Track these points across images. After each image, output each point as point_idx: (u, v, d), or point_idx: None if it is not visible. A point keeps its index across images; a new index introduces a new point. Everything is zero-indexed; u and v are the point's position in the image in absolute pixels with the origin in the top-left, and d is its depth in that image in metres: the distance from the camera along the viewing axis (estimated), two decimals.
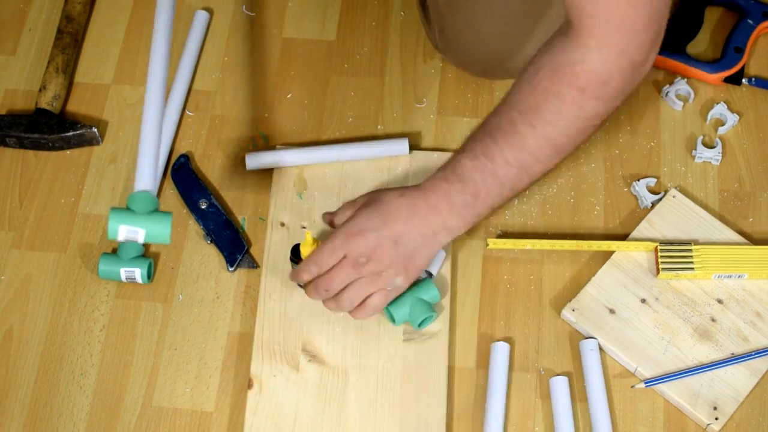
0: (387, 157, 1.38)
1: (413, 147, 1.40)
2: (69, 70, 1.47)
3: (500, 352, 1.24)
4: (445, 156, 1.36)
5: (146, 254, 1.34)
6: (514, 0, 1.32)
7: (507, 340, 1.27)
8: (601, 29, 1.06)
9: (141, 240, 1.19)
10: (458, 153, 1.17)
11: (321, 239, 1.26)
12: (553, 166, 1.17)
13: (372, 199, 1.20)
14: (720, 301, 1.27)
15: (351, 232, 1.17)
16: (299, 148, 1.39)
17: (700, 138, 1.40)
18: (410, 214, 1.16)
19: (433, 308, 1.25)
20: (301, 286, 1.27)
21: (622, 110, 1.43)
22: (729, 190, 1.37)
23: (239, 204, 1.38)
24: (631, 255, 1.30)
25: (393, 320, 1.25)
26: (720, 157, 1.38)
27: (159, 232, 1.19)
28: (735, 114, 1.41)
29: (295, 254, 1.27)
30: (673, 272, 1.27)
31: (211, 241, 1.35)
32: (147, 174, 1.19)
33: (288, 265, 1.30)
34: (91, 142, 1.43)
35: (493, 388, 1.22)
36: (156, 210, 1.20)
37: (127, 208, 1.19)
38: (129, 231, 1.18)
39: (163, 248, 1.35)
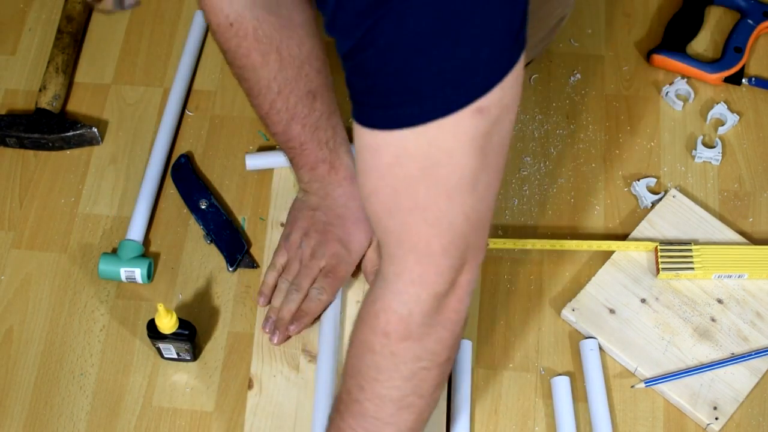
0: None
1: None
2: (69, 70, 1.47)
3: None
4: None
5: (146, 254, 1.34)
6: None
7: (507, 339, 1.27)
8: (396, 251, 0.89)
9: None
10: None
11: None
12: (412, 423, 0.99)
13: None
14: (720, 301, 1.27)
15: None
16: None
17: (700, 138, 1.40)
18: None
19: None
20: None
21: (621, 110, 1.43)
22: (729, 190, 1.37)
23: (239, 204, 1.38)
24: (631, 255, 1.30)
25: None
26: (720, 157, 1.38)
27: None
28: (735, 114, 1.41)
29: (152, 329, 1.22)
30: (673, 272, 1.27)
31: (211, 241, 1.34)
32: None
33: None
34: (91, 142, 1.43)
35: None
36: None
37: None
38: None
39: (163, 248, 1.35)
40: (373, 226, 0.90)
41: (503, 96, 0.79)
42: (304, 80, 1.17)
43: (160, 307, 1.17)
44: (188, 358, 1.26)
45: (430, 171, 0.81)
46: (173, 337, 1.21)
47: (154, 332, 1.21)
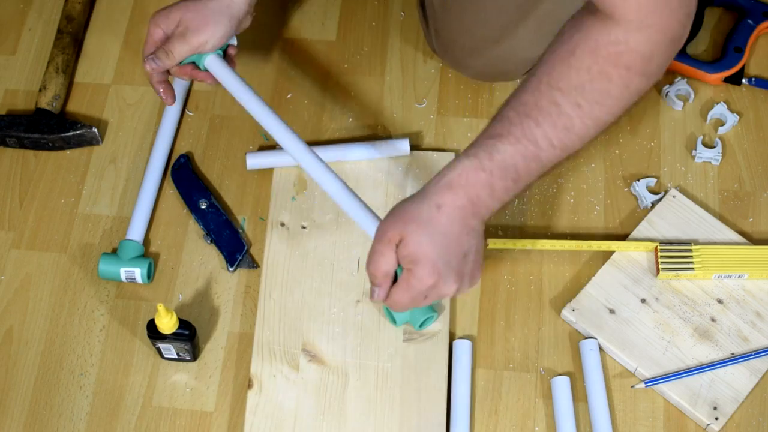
0: (387, 157, 1.38)
1: (413, 147, 1.40)
2: (69, 70, 1.47)
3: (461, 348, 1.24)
4: (445, 156, 1.37)
5: (146, 254, 1.34)
6: (508, 6, 1.32)
7: (507, 340, 1.27)
8: (639, 13, 1.03)
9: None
10: (492, 137, 1.08)
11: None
12: (597, 132, 1.12)
13: (413, 229, 1.08)
14: (720, 301, 1.27)
15: (428, 282, 1.08)
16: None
17: (700, 138, 1.40)
18: (462, 224, 1.09)
19: (433, 308, 1.25)
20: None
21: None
22: (729, 190, 1.37)
23: (239, 204, 1.38)
24: (631, 255, 1.30)
25: (394, 321, 1.25)
26: (720, 157, 1.38)
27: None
28: (735, 114, 1.41)
29: (152, 330, 1.22)
30: (673, 272, 1.27)
31: (211, 241, 1.34)
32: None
33: (290, 265, 1.31)
34: (91, 142, 1.43)
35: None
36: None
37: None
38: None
39: (163, 248, 1.35)
40: (604, 3, 1.03)
41: None
42: None
43: (160, 307, 1.17)
44: (188, 358, 1.26)
45: None
46: (173, 337, 1.21)
47: (154, 332, 1.21)
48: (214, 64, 1.27)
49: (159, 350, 1.25)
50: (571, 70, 1.06)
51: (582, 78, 1.05)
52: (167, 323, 1.19)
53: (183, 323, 1.22)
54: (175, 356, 1.25)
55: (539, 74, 1.07)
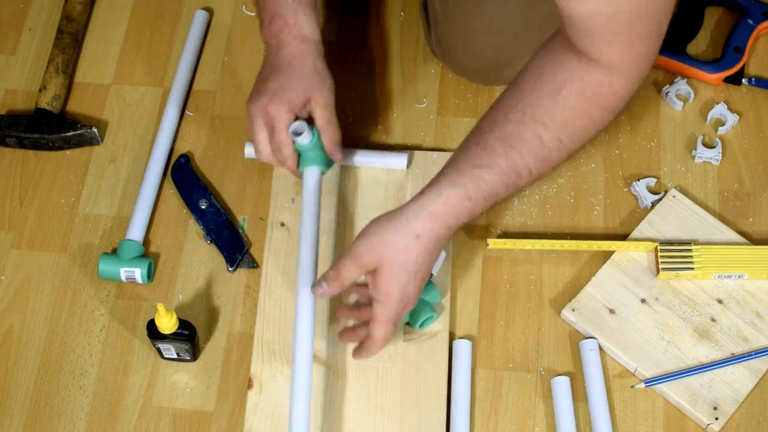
0: (384, 168, 1.38)
1: (413, 147, 1.40)
2: (69, 70, 1.47)
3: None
4: (445, 156, 1.36)
5: (146, 254, 1.34)
6: (509, 12, 1.32)
7: (507, 340, 1.27)
8: (623, 62, 1.10)
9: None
10: (478, 166, 1.11)
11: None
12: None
13: (388, 261, 1.10)
14: (720, 301, 1.27)
15: (398, 311, 1.13)
16: None
17: (700, 138, 1.40)
18: (433, 252, 1.12)
19: (433, 308, 1.25)
20: None
21: (621, 110, 1.43)
22: (729, 190, 1.37)
23: (239, 204, 1.38)
24: (631, 255, 1.30)
25: None
26: (720, 157, 1.38)
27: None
28: (735, 114, 1.41)
29: (152, 330, 1.21)
30: (673, 272, 1.27)
31: (211, 241, 1.34)
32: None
33: (289, 267, 1.31)
34: (91, 142, 1.43)
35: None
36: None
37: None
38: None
39: (163, 248, 1.35)
40: (589, 51, 1.08)
41: None
42: None
43: (160, 307, 1.17)
44: (188, 358, 1.26)
45: None
46: (173, 337, 1.21)
47: (154, 332, 1.21)
48: (310, 175, 1.27)
49: (159, 350, 1.25)
50: (556, 107, 1.11)
51: (566, 115, 1.11)
52: (167, 323, 1.19)
53: (183, 323, 1.22)
54: (175, 356, 1.25)
55: (522, 107, 1.12)
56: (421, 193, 1.12)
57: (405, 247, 1.10)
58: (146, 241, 1.35)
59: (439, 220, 1.10)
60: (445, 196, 1.10)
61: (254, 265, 1.33)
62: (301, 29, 1.27)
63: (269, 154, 1.27)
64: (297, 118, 1.25)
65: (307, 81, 1.25)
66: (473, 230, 1.34)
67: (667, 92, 1.43)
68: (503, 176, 1.11)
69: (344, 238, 1.33)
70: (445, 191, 1.10)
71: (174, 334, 1.21)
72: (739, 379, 1.22)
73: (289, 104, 1.24)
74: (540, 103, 1.12)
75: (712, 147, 1.39)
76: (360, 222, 1.33)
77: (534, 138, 1.11)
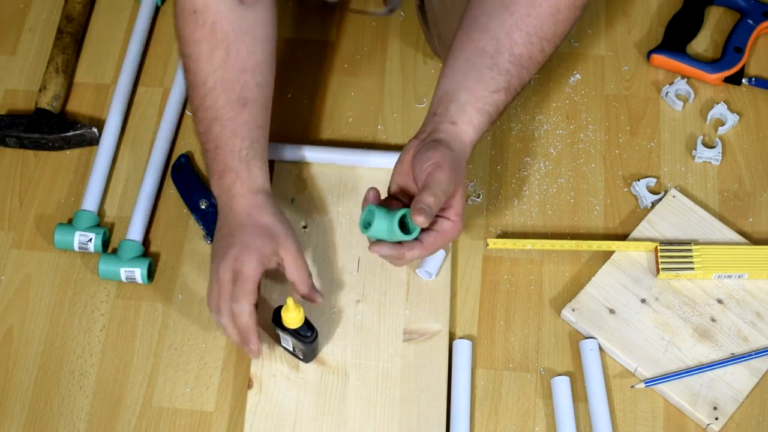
0: (384, 168, 1.38)
1: None
2: (69, 70, 1.47)
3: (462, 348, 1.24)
4: None
5: (146, 254, 1.34)
6: None
7: (507, 340, 1.27)
8: None
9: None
10: (497, 90, 1.16)
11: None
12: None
13: (462, 189, 1.17)
14: (720, 301, 1.27)
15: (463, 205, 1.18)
16: (298, 145, 1.39)
17: (700, 138, 1.40)
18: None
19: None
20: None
21: (621, 110, 1.43)
22: (729, 190, 1.37)
23: None
24: (631, 255, 1.30)
25: (367, 226, 1.15)
26: (720, 157, 1.38)
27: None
28: (735, 114, 1.41)
29: (276, 318, 1.20)
30: (673, 272, 1.27)
31: (211, 241, 1.34)
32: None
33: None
34: (91, 142, 1.43)
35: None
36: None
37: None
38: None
39: (163, 248, 1.35)
40: None
41: None
42: (240, 86, 1.20)
43: (289, 301, 1.16)
44: (300, 357, 1.24)
45: None
46: (294, 333, 1.20)
47: (278, 321, 1.20)
48: None
49: (278, 336, 1.23)
50: (558, 24, 1.17)
51: (564, 28, 1.18)
52: (293, 318, 1.18)
53: (308, 324, 1.20)
54: (291, 349, 1.24)
55: (524, 27, 1.16)
56: (453, 123, 1.15)
57: (463, 172, 1.16)
58: (146, 241, 1.35)
59: (473, 143, 1.17)
60: (477, 124, 1.16)
61: None
62: (254, 182, 1.21)
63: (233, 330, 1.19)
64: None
65: (270, 230, 1.20)
66: (473, 230, 1.34)
67: (667, 92, 1.43)
68: (514, 93, 1.18)
69: (344, 237, 1.33)
70: (476, 119, 1.16)
71: (296, 330, 1.20)
72: (739, 379, 1.22)
73: (258, 254, 1.18)
74: (544, 23, 1.17)
75: (712, 147, 1.39)
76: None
77: (539, 54, 1.18)
